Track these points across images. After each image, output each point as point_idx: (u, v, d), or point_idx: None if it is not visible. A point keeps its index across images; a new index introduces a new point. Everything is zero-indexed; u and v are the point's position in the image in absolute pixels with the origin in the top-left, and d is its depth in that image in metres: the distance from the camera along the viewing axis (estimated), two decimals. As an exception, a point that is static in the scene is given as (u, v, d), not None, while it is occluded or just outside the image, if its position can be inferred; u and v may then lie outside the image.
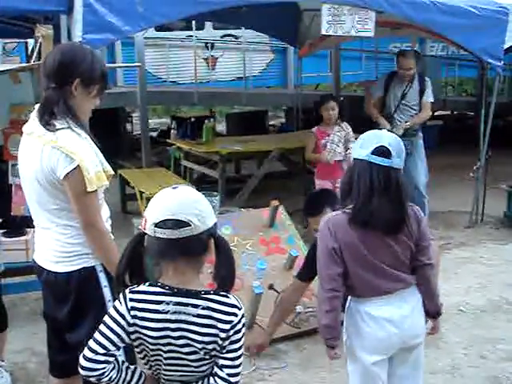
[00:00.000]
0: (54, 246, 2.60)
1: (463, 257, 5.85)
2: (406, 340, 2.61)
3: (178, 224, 1.89)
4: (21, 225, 4.38)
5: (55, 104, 2.49)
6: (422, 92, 6.62)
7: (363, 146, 2.50)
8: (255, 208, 5.30)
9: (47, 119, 2.48)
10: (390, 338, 2.58)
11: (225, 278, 1.99)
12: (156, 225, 1.90)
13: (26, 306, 4.73)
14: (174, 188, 1.99)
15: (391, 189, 2.47)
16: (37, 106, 2.61)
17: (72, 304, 2.59)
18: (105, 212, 2.67)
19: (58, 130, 2.46)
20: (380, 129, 2.75)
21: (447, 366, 3.77)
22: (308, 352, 4.09)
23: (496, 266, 5.58)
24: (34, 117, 2.58)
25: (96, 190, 2.49)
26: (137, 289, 1.98)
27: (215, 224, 1.98)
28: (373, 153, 2.44)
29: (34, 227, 2.76)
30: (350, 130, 5.96)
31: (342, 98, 6.13)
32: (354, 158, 2.54)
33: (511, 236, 6.54)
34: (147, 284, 1.98)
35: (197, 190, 2.08)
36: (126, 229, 4.47)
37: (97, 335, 1.98)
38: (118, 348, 1.99)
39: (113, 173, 2.62)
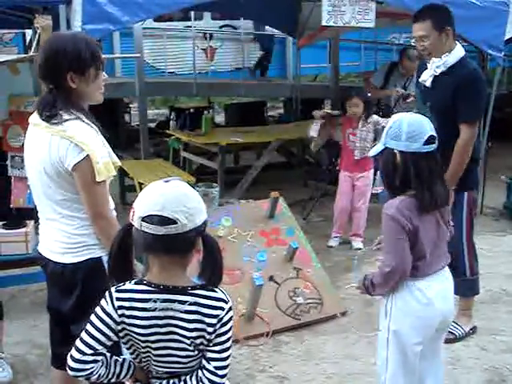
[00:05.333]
0: (60, 237, 2.60)
1: (463, 248, 5.83)
2: (446, 316, 2.76)
3: (164, 221, 1.83)
4: (17, 217, 4.35)
5: (52, 105, 2.46)
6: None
7: (412, 140, 2.58)
8: (255, 199, 5.29)
9: (48, 114, 2.46)
10: (434, 316, 2.69)
11: (212, 276, 1.96)
12: (143, 219, 1.86)
13: (25, 297, 4.72)
14: (165, 181, 1.92)
15: (439, 168, 2.70)
16: None
17: (77, 295, 2.58)
18: (110, 204, 2.65)
19: (66, 120, 2.45)
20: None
21: (448, 357, 3.77)
22: (309, 343, 4.09)
23: (495, 258, 5.57)
24: None
25: (104, 181, 2.48)
26: (123, 287, 1.95)
27: (205, 222, 1.92)
28: (424, 144, 2.58)
29: (32, 219, 2.74)
30: (381, 119, 5.78)
31: (368, 94, 6.07)
32: (402, 152, 2.59)
33: (511, 227, 6.55)
34: (133, 282, 1.96)
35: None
36: (125, 220, 4.47)
37: (83, 335, 1.96)
38: (106, 346, 1.97)
39: (120, 163, 2.61)
